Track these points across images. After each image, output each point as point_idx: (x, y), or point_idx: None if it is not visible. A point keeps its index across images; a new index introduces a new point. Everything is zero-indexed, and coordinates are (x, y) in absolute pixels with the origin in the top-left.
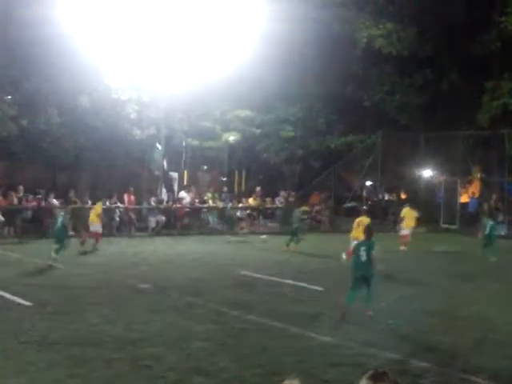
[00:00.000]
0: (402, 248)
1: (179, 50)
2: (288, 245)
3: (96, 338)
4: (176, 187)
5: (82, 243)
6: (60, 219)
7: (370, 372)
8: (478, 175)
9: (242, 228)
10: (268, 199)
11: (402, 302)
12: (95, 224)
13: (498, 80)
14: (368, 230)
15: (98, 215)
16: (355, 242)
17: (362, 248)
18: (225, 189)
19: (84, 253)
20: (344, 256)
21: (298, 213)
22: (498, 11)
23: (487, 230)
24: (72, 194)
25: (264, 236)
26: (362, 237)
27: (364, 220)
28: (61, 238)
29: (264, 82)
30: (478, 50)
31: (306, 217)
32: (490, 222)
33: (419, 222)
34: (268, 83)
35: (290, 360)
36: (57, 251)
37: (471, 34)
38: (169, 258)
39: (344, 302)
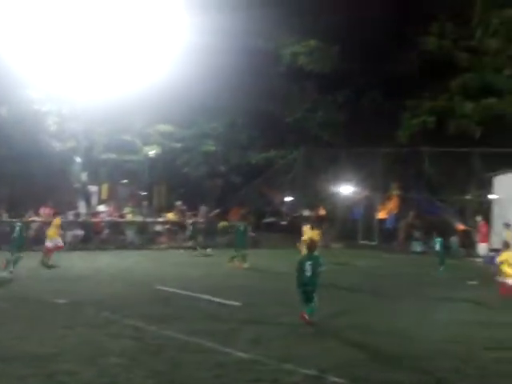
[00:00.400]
0: None
1: (101, 63)
2: (233, 260)
3: (8, 354)
4: (95, 201)
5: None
6: (17, 230)
7: None
8: (397, 192)
9: (161, 242)
10: (188, 214)
11: (321, 317)
12: (55, 238)
13: (419, 98)
14: (311, 244)
15: (57, 229)
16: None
17: (308, 263)
18: (144, 203)
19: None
20: None
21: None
22: (420, 31)
23: (438, 247)
24: None
25: (209, 249)
26: None
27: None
28: (17, 249)
29: (186, 96)
30: (398, 69)
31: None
32: (439, 239)
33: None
34: (190, 97)
35: (205, 375)
36: (14, 264)
37: (393, 53)
38: (86, 273)
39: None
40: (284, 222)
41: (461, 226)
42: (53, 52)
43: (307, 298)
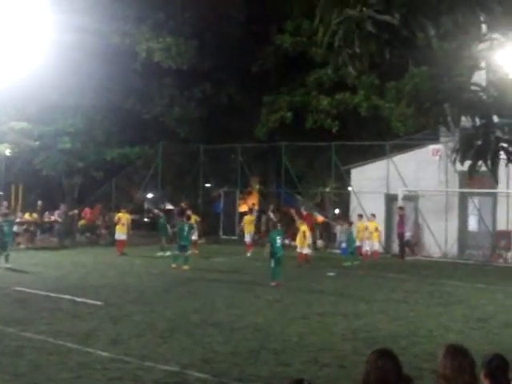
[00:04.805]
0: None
1: None
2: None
3: None
4: None
5: None
6: None
7: None
8: (257, 186)
9: (19, 243)
10: (46, 213)
11: (182, 314)
12: None
13: (276, 94)
14: (275, 224)
15: None
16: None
17: (278, 237)
18: (4, 203)
19: None
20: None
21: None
22: (275, 29)
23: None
24: None
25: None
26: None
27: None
28: None
29: (43, 92)
30: (256, 66)
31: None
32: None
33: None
34: (47, 94)
35: (66, 376)
36: None
37: (250, 49)
38: None
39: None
40: (146, 219)
41: (320, 218)
42: None
43: (279, 264)
